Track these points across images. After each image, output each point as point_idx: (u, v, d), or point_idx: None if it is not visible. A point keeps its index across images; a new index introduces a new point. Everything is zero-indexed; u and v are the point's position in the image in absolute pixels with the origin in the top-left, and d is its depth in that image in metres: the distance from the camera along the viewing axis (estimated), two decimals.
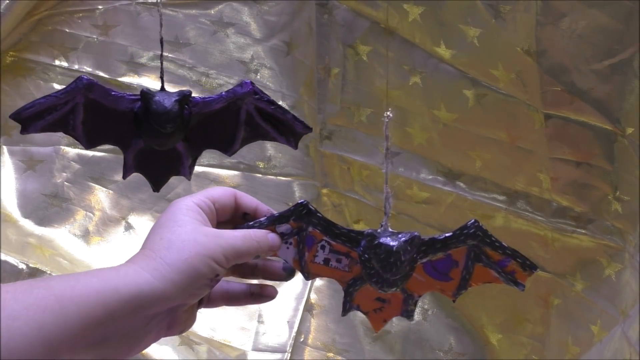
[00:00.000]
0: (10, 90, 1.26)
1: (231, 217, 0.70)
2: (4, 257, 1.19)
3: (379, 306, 0.70)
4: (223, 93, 0.73)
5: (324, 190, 1.37)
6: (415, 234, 0.66)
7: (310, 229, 0.68)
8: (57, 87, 1.27)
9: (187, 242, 0.63)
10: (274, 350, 1.31)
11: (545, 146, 1.22)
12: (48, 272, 1.20)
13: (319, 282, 1.34)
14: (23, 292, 0.57)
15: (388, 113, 0.66)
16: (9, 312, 0.55)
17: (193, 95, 0.72)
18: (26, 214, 1.28)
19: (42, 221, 1.28)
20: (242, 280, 0.72)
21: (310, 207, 0.68)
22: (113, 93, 0.71)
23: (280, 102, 0.77)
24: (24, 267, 1.20)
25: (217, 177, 1.32)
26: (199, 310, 0.70)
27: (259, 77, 1.30)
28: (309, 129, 0.75)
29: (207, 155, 1.29)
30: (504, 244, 0.68)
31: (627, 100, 1.14)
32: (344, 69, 1.31)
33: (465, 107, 1.24)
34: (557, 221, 1.25)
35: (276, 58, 1.30)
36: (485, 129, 1.25)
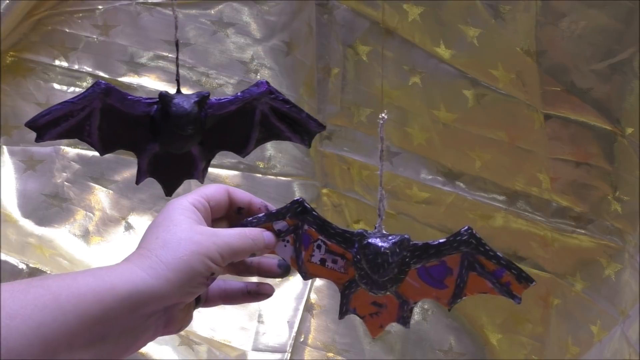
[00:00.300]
0: (10, 90, 1.26)
1: (225, 213, 0.70)
2: (4, 257, 1.19)
3: (375, 311, 0.70)
4: (239, 94, 0.73)
5: (324, 190, 1.37)
6: (406, 236, 0.66)
7: (306, 227, 0.68)
8: (57, 87, 1.27)
9: (183, 240, 0.63)
10: (274, 350, 1.31)
11: (545, 146, 1.22)
12: (48, 272, 1.20)
13: (319, 282, 1.34)
14: (21, 291, 0.57)
15: (383, 115, 0.66)
16: (7, 311, 0.55)
17: None
18: (26, 214, 1.28)
19: (42, 221, 1.28)
20: (238, 278, 0.73)
21: (306, 205, 0.68)
22: (129, 97, 0.70)
23: None
24: (24, 267, 1.20)
25: (217, 177, 1.32)
26: (198, 310, 0.70)
27: (259, 77, 1.30)
28: (322, 127, 0.75)
29: None
30: (498, 253, 0.66)
31: (627, 100, 1.14)
32: (344, 69, 1.31)
33: (465, 107, 1.24)
34: (557, 221, 1.25)
35: (276, 58, 1.30)
36: (485, 129, 1.25)
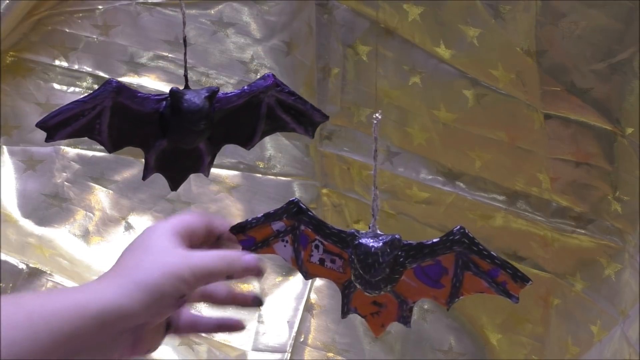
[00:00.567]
0: (10, 90, 1.26)
1: (205, 240, 0.71)
2: (4, 257, 1.20)
3: (376, 310, 0.70)
4: (245, 88, 0.73)
5: (324, 190, 1.37)
6: (396, 236, 0.66)
7: (302, 227, 0.68)
8: (57, 87, 1.27)
9: (155, 262, 0.64)
10: (274, 350, 1.31)
11: (545, 146, 1.22)
12: (48, 272, 1.20)
13: (319, 282, 1.34)
14: None
15: (377, 115, 0.66)
16: None
17: None
18: (26, 214, 1.28)
19: (42, 221, 1.28)
20: (213, 305, 0.74)
21: (301, 205, 0.68)
22: (139, 95, 0.70)
23: None
24: (24, 267, 1.20)
25: (217, 177, 1.32)
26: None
27: (258, 77, 1.30)
28: (326, 117, 0.76)
29: None
30: (492, 253, 0.66)
31: (627, 100, 1.14)
32: (344, 69, 1.31)
33: (465, 107, 1.24)
34: (557, 221, 1.25)
35: (276, 58, 1.30)
36: (485, 129, 1.25)
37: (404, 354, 1.34)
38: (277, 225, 0.69)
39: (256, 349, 1.30)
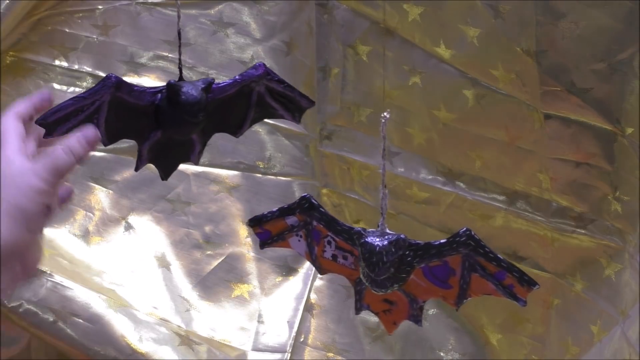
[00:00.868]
0: (10, 90, 1.26)
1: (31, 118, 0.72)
2: None
3: (387, 308, 0.71)
4: (237, 77, 0.75)
5: (324, 190, 1.37)
6: (402, 236, 0.66)
7: (315, 223, 0.69)
8: (57, 87, 1.27)
9: (9, 187, 0.66)
10: (274, 350, 1.31)
11: (545, 146, 1.22)
12: (48, 272, 1.20)
13: (319, 282, 1.34)
14: None
15: (385, 114, 0.66)
16: None
17: None
18: None
19: None
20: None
21: (313, 201, 0.69)
22: (136, 88, 0.72)
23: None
24: None
25: (217, 177, 1.32)
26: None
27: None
28: (312, 103, 0.78)
29: (208, 155, 1.29)
30: (499, 256, 0.66)
31: (627, 100, 1.14)
32: (344, 69, 1.31)
33: (465, 107, 1.24)
34: (557, 221, 1.25)
35: (276, 58, 1.30)
36: (484, 129, 1.25)
37: (404, 354, 1.34)
38: (291, 220, 0.70)
39: (256, 349, 1.30)
